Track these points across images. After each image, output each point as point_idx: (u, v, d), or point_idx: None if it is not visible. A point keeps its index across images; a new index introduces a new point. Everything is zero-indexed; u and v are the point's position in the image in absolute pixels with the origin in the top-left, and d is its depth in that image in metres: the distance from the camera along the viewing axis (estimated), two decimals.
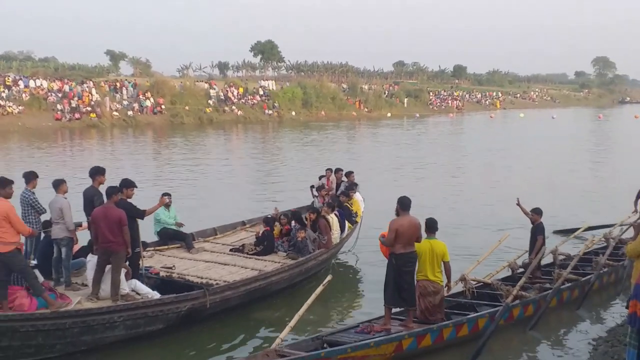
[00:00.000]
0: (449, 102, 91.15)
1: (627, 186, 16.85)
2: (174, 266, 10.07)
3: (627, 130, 53.50)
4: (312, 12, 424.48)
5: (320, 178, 14.40)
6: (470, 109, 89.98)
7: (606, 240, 11.65)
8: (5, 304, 7.67)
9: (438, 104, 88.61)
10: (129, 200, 8.99)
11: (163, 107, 54.25)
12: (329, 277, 8.24)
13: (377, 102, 75.95)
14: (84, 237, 9.61)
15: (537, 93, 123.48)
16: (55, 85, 51.10)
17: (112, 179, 9.57)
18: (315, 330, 8.57)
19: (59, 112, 47.62)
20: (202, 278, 9.46)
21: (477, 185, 22.13)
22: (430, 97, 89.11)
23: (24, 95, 47.84)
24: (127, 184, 9.08)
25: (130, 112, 51.82)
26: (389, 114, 71.74)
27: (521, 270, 10.27)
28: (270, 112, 62.40)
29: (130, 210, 8.76)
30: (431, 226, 8.51)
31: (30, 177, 9.06)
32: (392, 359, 7.64)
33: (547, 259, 10.89)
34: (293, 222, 11.71)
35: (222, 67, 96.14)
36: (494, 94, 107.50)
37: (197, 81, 65.57)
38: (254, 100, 63.43)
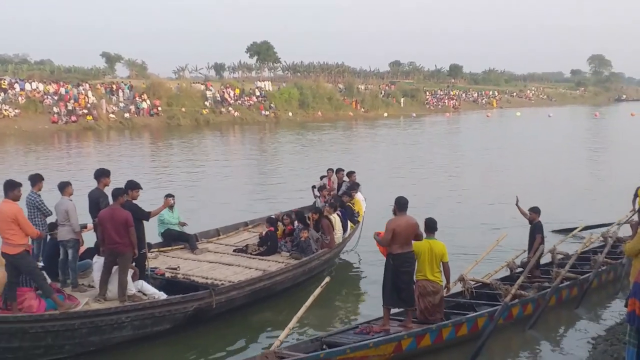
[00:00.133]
0: (446, 101, 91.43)
1: (625, 184, 16.91)
2: (178, 267, 10.16)
3: (623, 128, 53.75)
4: (308, 12, 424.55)
5: (321, 178, 14.53)
6: (466, 108, 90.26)
7: (604, 239, 11.69)
8: (14, 305, 7.76)
9: (434, 103, 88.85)
10: (134, 201, 9.09)
11: (159, 109, 54.29)
12: (327, 279, 8.21)
13: (373, 102, 76.16)
14: (89, 239, 9.69)
15: (533, 92, 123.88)
16: (51, 88, 51.11)
17: (111, 181, 9.62)
18: (316, 332, 8.59)
19: (55, 115, 47.63)
20: (207, 278, 9.55)
21: (474, 185, 22.22)
22: (427, 97, 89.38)
23: (20, 98, 47.84)
24: (133, 186, 9.19)
25: (126, 114, 51.83)
26: (385, 114, 71.92)
27: (520, 269, 10.27)
28: (267, 113, 62.48)
29: (135, 211, 8.85)
30: (431, 226, 8.47)
31: (36, 180, 9.13)
32: None
33: (546, 259, 10.88)
34: (296, 222, 11.81)
35: (218, 68, 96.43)
36: (490, 93, 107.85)
37: (194, 83, 65.74)
38: (251, 101, 63.52)
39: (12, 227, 7.62)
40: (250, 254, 11.16)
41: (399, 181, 22.65)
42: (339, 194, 13.58)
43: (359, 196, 13.42)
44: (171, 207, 11.31)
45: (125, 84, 57.42)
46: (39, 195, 9.06)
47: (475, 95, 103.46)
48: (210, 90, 61.73)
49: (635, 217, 12.45)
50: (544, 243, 10.28)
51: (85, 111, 49.39)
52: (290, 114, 63.88)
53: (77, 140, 41.24)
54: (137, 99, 54.28)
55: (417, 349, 7.82)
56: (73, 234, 8.97)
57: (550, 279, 9.88)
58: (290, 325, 7.37)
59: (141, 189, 9.41)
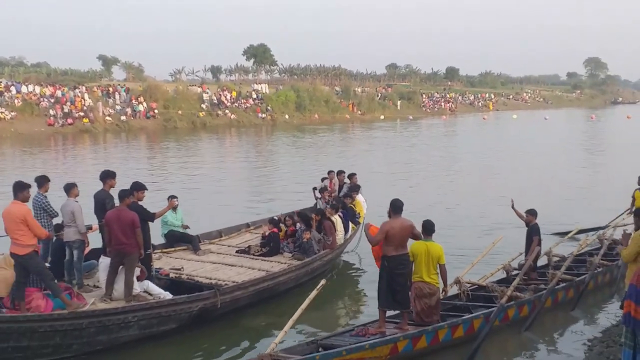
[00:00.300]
0: (442, 104, 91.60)
1: (621, 187, 17.07)
2: (182, 268, 10.29)
3: (619, 130, 54.06)
4: (308, 12, 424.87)
5: (322, 180, 14.70)
6: (463, 111, 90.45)
7: (600, 241, 11.79)
8: (22, 305, 7.89)
9: (431, 106, 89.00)
10: (140, 202, 9.23)
11: (156, 111, 54.18)
12: (322, 282, 8.16)
13: (370, 105, 76.21)
14: (94, 240, 9.82)
15: (529, 94, 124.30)
16: (48, 90, 51.05)
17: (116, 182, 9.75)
18: (313, 335, 8.63)
19: (51, 118, 47.58)
20: (211, 279, 9.68)
21: (471, 187, 22.34)
22: (423, 100, 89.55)
23: (16, 101, 47.73)
24: (138, 187, 9.33)
25: (123, 117, 51.71)
26: (382, 117, 72.02)
27: (516, 272, 10.29)
28: (264, 115, 62.50)
29: (141, 212, 8.98)
30: (428, 228, 8.47)
31: (43, 181, 9.26)
32: None
33: (542, 261, 10.92)
34: (298, 224, 11.95)
35: (215, 70, 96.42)
36: (487, 95, 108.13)
37: (190, 85, 65.66)
38: (247, 104, 63.54)
39: (21, 228, 7.75)
40: (253, 254, 11.29)
41: (395, 183, 22.81)
42: (341, 196, 13.75)
43: (359, 198, 13.62)
44: (175, 208, 11.43)
45: (121, 87, 57.32)
46: (46, 197, 9.18)
47: (472, 97, 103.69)
48: (207, 93, 61.68)
49: (628, 221, 12.62)
50: (540, 245, 10.30)
51: (82, 114, 49.35)
52: (286, 116, 63.93)
53: (74, 142, 41.20)
54: (133, 101, 54.21)
55: (413, 350, 7.83)
56: (79, 235, 9.11)
57: (546, 281, 9.91)
58: (286, 327, 7.35)
59: (147, 190, 9.54)
